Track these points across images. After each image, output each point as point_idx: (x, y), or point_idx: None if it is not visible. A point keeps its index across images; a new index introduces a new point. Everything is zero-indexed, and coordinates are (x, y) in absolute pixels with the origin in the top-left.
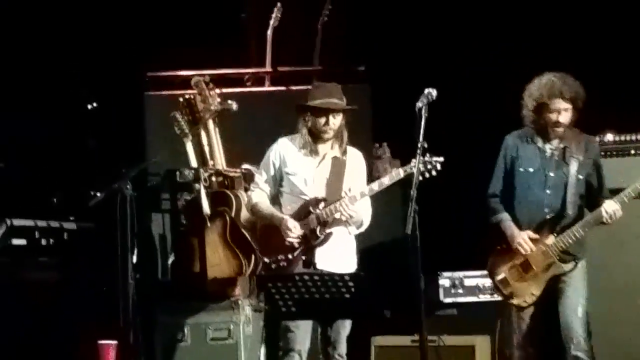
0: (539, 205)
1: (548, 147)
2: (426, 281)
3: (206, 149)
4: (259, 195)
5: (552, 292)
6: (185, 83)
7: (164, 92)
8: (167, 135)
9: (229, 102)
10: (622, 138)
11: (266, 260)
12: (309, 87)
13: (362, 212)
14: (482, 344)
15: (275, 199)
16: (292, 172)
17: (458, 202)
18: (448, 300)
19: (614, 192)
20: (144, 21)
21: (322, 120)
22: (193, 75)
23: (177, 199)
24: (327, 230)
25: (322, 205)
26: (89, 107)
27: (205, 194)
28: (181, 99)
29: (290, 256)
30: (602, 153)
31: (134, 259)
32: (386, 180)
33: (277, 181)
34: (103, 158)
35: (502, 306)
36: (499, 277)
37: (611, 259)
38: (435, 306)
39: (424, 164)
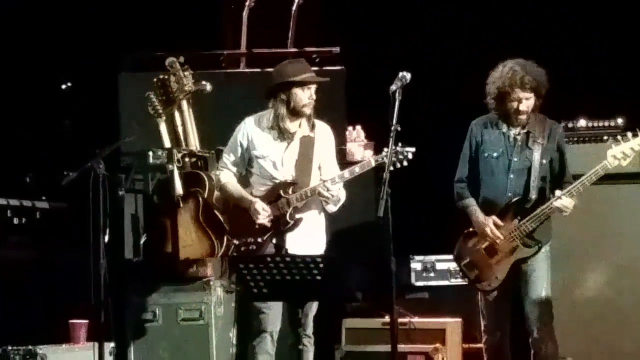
0: (502, 190)
1: (512, 132)
2: (398, 264)
3: (180, 129)
4: (227, 175)
5: (517, 277)
6: (160, 63)
7: (138, 73)
8: (140, 116)
9: (203, 83)
10: (596, 124)
11: (235, 242)
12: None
13: (340, 190)
14: (453, 327)
15: (244, 179)
16: (261, 155)
17: (431, 185)
18: (419, 283)
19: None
20: (120, 1)
21: (307, 94)
22: (167, 56)
23: (150, 179)
24: (298, 216)
25: (291, 189)
26: (63, 87)
27: (178, 174)
28: (155, 80)
29: (260, 239)
30: (575, 139)
31: (106, 239)
32: (357, 169)
33: (245, 162)
34: (77, 137)
35: (471, 290)
36: (465, 261)
37: (581, 247)
38: (407, 289)
39: (395, 154)
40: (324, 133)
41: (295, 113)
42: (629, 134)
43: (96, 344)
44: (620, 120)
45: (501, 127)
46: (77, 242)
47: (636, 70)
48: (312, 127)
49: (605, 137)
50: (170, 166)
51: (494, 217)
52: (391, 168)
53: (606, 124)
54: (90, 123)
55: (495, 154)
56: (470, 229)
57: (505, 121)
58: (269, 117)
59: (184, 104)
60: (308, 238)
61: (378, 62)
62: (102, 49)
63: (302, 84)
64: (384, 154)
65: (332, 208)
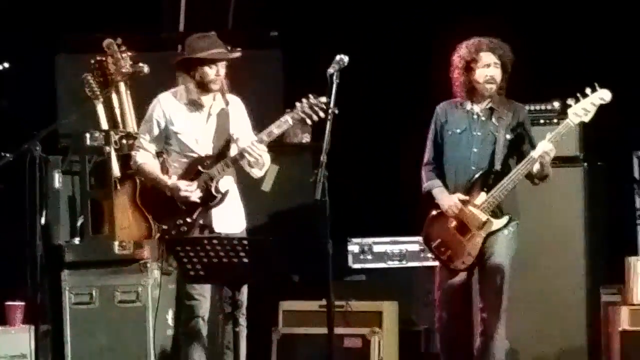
0: (466, 164)
1: (476, 109)
2: (335, 247)
3: (117, 111)
4: (144, 156)
5: (479, 259)
6: (98, 45)
7: (75, 54)
8: (78, 97)
9: (141, 64)
10: (532, 108)
11: (164, 227)
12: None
13: (265, 153)
14: (389, 310)
15: (158, 156)
16: (180, 131)
17: (368, 168)
18: (357, 266)
19: (561, 160)
20: None
21: (214, 70)
22: (105, 37)
23: (87, 162)
24: (223, 189)
25: (209, 162)
26: (0, 67)
27: (116, 156)
28: (92, 61)
29: (188, 219)
30: (548, 120)
31: (43, 221)
32: (274, 128)
33: (162, 140)
34: (13, 119)
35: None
36: (436, 242)
37: (538, 221)
38: (344, 272)
39: (310, 107)
40: (237, 107)
41: (203, 88)
42: (588, 90)
43: (32, 327)
44: (556, 104)
45: (465, 106)
46: (13, 223)
47: (573, 54)
48: (227, 103)
49: (542, 121)
50: (107, 148)
51: (459, 194)
52: (308, 122)
53: (542, 107)
54: (27, 104)
55: (458, 130)
56: (436, 211)
57: (470, 98)
58: (182, 91)
59: (122, 85)
60: (230, 214)
61: (316, 45)
62: (40, 29)
63: (209, 61)
64: (298, 108)
65: (257, 173)
